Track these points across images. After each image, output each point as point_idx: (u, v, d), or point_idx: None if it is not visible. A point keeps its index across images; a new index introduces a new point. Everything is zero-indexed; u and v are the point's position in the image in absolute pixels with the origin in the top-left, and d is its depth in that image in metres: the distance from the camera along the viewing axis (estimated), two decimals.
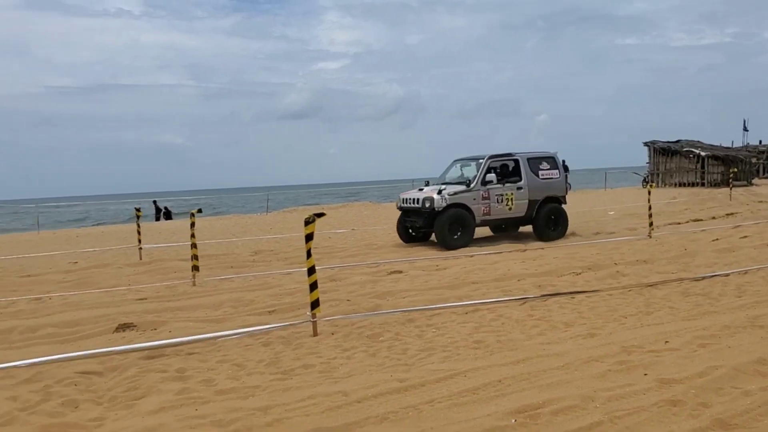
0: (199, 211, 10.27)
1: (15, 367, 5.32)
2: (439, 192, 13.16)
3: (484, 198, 13.58)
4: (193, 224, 9.96)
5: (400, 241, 14.24)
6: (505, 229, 14.94)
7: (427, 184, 14.48)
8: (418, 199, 13.45)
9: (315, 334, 6.09)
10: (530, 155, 14.31)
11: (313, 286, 6.10)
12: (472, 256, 11.54)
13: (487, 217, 13.76)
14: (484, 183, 13.58)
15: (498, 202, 13.72)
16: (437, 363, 5.07)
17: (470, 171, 14.16)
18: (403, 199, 14.13)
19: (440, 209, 13.02)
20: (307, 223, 6.13)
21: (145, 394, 4.60)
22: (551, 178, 14.30)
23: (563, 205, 14.45)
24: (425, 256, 11.87)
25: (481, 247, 12.79)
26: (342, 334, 6.09)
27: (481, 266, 10.14)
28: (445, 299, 7.56)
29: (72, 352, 5.74)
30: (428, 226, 13.34)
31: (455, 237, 13.09)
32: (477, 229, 13.67)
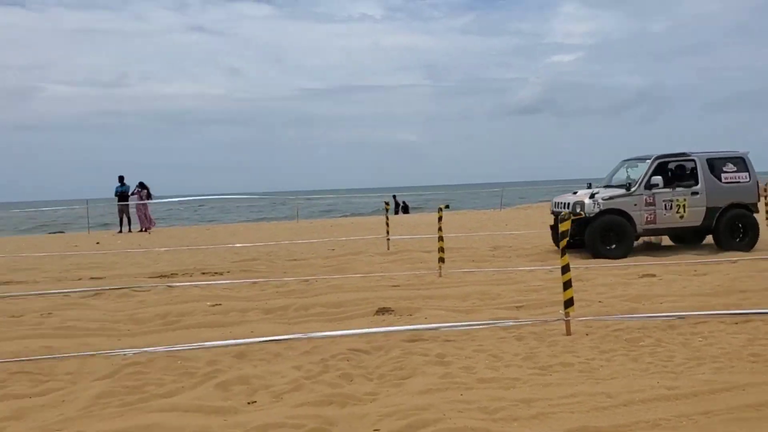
0: (447, 206, 10.65)
1: (296, 339, 6.01)
2: (592, 196, 11.89)
3: (648, 204, 12.05)
4: (440, 218, 10.39)
5: (642, 242, 13.22)
6: (683, 240, 13.25)
7: (589, 186, 13.14)
8: (568, 204, 12.17)
9: (568, 333, 5.99)
10: (711, 155, 12.51)
11: (567, 285, 6.01)
12: (735, 261, 10.44)
13: (652, 226, 12.16)
14: (649, 186, 12.00)
15: (666, 208, 12.09)
16: (709, 374, 4.71)
17: (637, 173, 12.56)
18: (555, 203, 12.96)
19: (592, 215, 11.77)
20: (563, 220, 6.07)
21: (411, 374, 4.91)
22: (738, 182, 12.38)
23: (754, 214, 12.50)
24: (681, 260, 11.00)
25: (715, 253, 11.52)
26: (598, 336, 5.91)
27: (748, 273, 9.15)
28: (711, 306, 6.96)
29: (341, 330, 6.34)
30: (579, 233, 11.74)
31: (609, 248, 11.77)
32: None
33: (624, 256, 11.59)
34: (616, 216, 11.95)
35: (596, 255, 11.69)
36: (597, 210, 11.80)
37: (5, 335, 6.36)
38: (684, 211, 12.16)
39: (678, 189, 12.26)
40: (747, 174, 12.46)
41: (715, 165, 12.44)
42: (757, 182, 12.65)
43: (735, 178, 12.41)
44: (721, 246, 12.16)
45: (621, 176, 13.20)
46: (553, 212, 13.17)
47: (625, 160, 13.39)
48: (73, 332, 6.53)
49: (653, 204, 12.08)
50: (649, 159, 12.40)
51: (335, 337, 6.04)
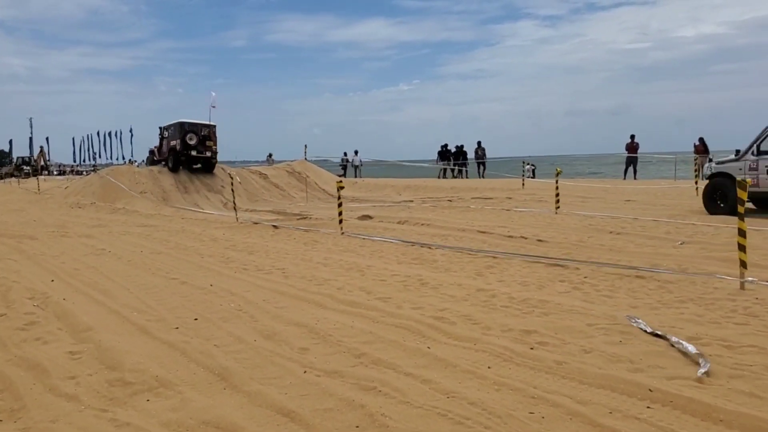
0: None
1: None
2: (718, 161, 13.39)
3: (751, 168, 12.75)
4: None
5: None
6: None
7: (737, 152, 13.47)
8: (711, 168, 13.79)
9: None
10: None
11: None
12: None
13: (755, 189, 12.55)
14: (759, 153, 12.68)
15: None
16: None
17: None
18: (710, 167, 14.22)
19: (707, 177, 13.27)
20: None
21: None
22: None
23: None
24: None
25: None
26: None
27: None
28: None
29: None
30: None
31: (718, 206, 13.15)
32: None
33: (731, 213, 11.50)
34: (724, 178, 13.03)
35: (709, 212, 13.16)
36: (709, 173, 13.07)
37: None
38: None
39: None
40: None
41: None
42: None
43: None
44: None
45: None
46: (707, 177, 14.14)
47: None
48: None
49: (756, 169, 12.69)
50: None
51: None
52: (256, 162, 42.20)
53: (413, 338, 5.37)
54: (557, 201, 15.08)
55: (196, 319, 6.17)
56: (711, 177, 13.42)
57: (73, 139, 68.04)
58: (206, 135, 24.32)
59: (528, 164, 33.10)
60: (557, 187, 15.33)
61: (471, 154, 31.77)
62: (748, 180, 7.09)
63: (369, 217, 15.59)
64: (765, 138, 12.63)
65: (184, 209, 20.21)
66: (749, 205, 12.97)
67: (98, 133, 64.41)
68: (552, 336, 5.26)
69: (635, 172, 25.64)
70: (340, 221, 12.67)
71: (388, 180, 31.61)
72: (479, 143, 31.29)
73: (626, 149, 25.15)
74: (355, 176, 36.72)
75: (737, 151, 13.44)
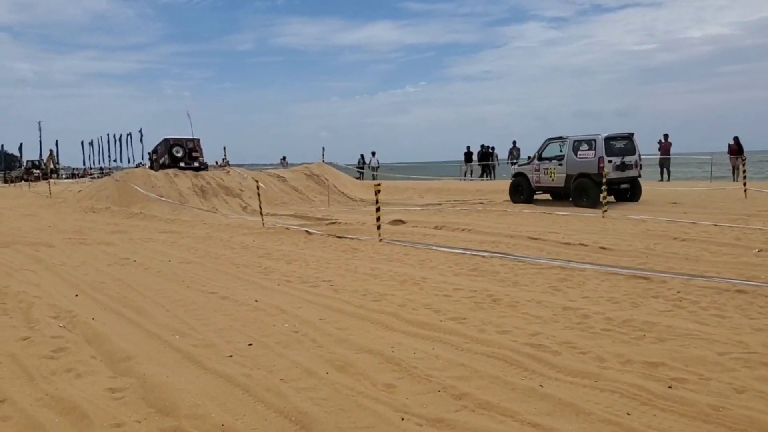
0: None
1: None
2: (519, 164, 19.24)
3: (536, 170, 18.10)
4: None
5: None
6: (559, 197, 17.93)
7: (529, 158, 19.04)
8: (514, 169, 19.85)
9: None
10: (576, 137, 17.00)
11: None
12: None
13: (538, 185, 18.17)
14: (540, 159, 17.98)
15: (545, 174, 17.77)
16: None
17: (555, 149, 17.77)
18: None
19: (513, 176, 18.49)
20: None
21: None
22: (587, 158, 16.57)
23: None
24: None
25: None
26: None
27: None
28: None
29: None
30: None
31: (519, 197, 18.58)
32: None
33: (526, 202, 18.24)
34: (521, 177, 18.64)
35: (513, 201, 18.72)
36: (513, 172, 17.29)
37: None
38: (554, 176, 17.55)
39: (553, 161, 17.54)
40: (594, 152, 16.42)
41: (576, 145, 16.91)
42: (600, 158, 16.19)
43: (586, 155, 16.61)
44: (574, 203, 16.79)
45: (551, 151, 17.96)
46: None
47: (548, 139, 18.16)
48: None
49: (538, 171, 18.01)
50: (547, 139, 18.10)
51: None
52: (270, 165, 41.45)
53: (516, 372, 4.51)
54: (604, 204, 14.19)
55: (250, 344, 5.33)
56: (514, 176, 18.78)
57: (82, 142, 67.41)
58: (191, 147, 26.32)
59: None
60: (603, 189, 14.41)
61: (504, 154, 30.56)
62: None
63: (401, 221, 14.74)
64: (544, 148, 17.97)
65: (204, 213, 19.40)
66: (546, 195, 18.57)
67: (108, 136, 63.75)
68: (684, 369, 4.40)
69: (669, 173, 24.67)
70: (378, 227, 11.82)
71: (407, 182, 30.73)
72: (514, 143, 29.92)
73: (659, 149, 24.17)
74: (373, 179, 35.88)
75: (529, 157, 18.86)
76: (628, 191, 17.38)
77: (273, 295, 7.31)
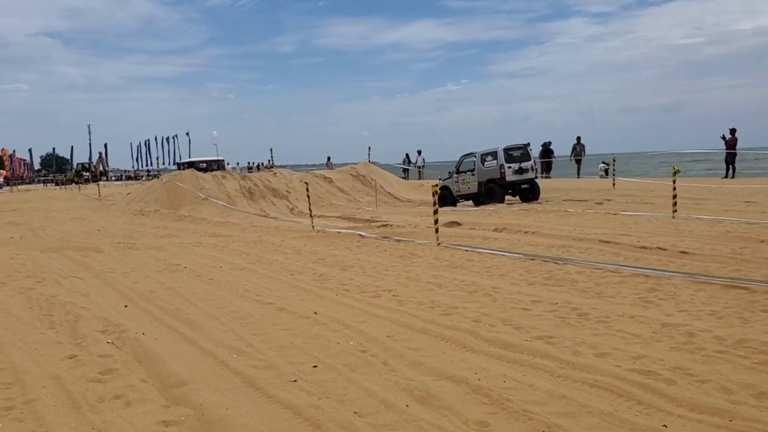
0: None
1: None
2: (444, 179, 21.89)
3: (455, 182, 21.18)
4: None
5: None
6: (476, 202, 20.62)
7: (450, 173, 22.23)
8: (440, 181, 21.47)
9: None
10: (483, 151, 20.27)
11: None
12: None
13: (458, 193, 21.13)
14: (458, 173, 21.20)
15: (462, 183, 20.96)
16: None
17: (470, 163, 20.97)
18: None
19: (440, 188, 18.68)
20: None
21: None
22: (492, 167, 19.75)
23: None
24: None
25: None
26: None
27: None
28: None
29: None
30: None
31: (445, 204, 19.46)
32: None
33: (453, 205, 20.60)
34: (446, 189, 20.82)
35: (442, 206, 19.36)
36: (439, 186, 16.49)
37: None
38: (469, 185, 20.63)
39: (468, 173, 20.74)
40: (496, 161, 19.66)
41: (483, 157, 20.19)
42: (501, 165, 19.46)
43: (491, 165, 19.82)
44: (478, 204, 20.09)
45: (466, 165, 21.16)
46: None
47: (462, 156, 21.50)
48: None
49: (458, 182, 21.08)
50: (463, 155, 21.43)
51: None
52: (314, 166, 41.22)
53: (629, 407, 3.84)
54: (674, 204, 13.26)
55: (315, 366, 4.78)
56: (441, 188, 19.02)
57: (131, 144, 68.57)
58: (215, 168, 30.12)
59: (602, 162, 31.05)
60: (674, 188, 13.48)
61: (566, 151, 29.51)
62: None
63: (457, 223, 14.09)
64: (461, 164, 21.19)
65: (252, 215, 19.09)
66: (469, 202, 20.91)
67: (155, 138, 64.65)
68: None
69: (734, 170, 23.37)
70: (436, 230, 11.19)
71: None
72: (578, 139, 28.60)
73: (726, 145, 22.89)
74: (419, 178, 35.24)
75: (449, 173, 21.99)
76: (528, 192, 20.12)
77: (332, 306, 6.76)
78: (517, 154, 19.68)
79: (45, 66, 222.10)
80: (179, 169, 33.52)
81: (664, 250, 9.24)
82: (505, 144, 19.66)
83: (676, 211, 13.14)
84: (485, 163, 19.97)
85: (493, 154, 19.68)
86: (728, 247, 9.26)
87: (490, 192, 19.75)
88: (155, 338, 5.74)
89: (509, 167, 19.39)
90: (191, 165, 31.01)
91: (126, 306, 7.18)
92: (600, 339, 5.16)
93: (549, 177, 29.31)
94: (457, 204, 21.01)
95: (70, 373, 4.86)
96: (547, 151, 29.54)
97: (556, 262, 8.63)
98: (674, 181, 13.64)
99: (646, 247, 9.51)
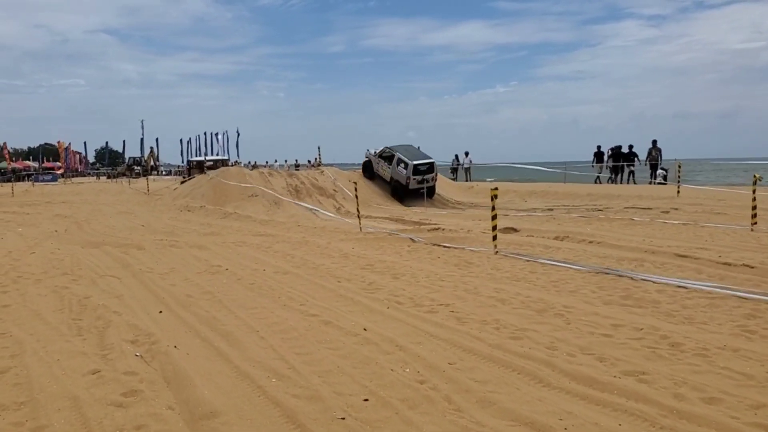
0: None
1: None
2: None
3: (376, 163, 25.48)
4: None
5: None
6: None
7: None
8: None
9: None
10: (398, 156, 24.01)
11: None
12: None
13: (377, 173, 25.47)
14: (380, 157, 25.21)
15: (381, 169, 25.21)
16: None
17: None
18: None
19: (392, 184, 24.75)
20: None
21: None
22: (402, 173, 23.50)
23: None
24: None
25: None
26: None
27: None
28: None
29: None
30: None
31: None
32: None
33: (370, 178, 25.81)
34: (369, 163, 26.17)
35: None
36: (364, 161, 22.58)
37: None
38: (385, 173, 24.57)
39: (386, 162, 24.55)
40: (406, 171, 23.27)
41: (398, 161, 23.87)
42: (408, 177, 23.40)
43: (401, 170, 23.56)
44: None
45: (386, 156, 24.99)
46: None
47: (387, 147, 25.27)
48: None
49: (379, 164, 25.44)
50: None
51: None
52: (360, 165, 40.59)
53: None
54: (754, 215, 12.14)
55: (366, 400, 4.10)
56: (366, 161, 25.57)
57: (181, 140, 69.24)
58: (220, 166, 32.03)
59: (660, 168, 29.48)
60: (754, 198, 12.35)
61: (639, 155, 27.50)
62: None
63: (513, 229, 13.24)
64: (383, 152, 25.09)
65: (298, 214, 18.58)
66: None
67: (204, 135, 65.17)
68: None
69: None
70: (494, 237, 10.39)
71: (507, 184, 28.99)
72: (654, 143, 26.66)
73: None
74: (467, 179, 34.32)
75: (374, 152, 25.45)
76: (425, 193, 23.90)
77: (383, 322, 6.08)
78: (423, 168, 23.62)
79: (101, 62, 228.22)
80: (189, 167, 37.35)
81: (752, 267, 8.26)
82: (415, 161, 23.56)
83: (755, 223, 12.03)
84: (398, 167, 23.79)
85: (406, 165, 23.52)
86: None
87: (396, 191, 24.29)
88: (187, 353, 5.15)
89: (414, 179, 23.53)
90: (200, 164, 34.81)
91: (161, 312, 6.64)
92: (703, 378, 4.33)
93: (614, 182, 27.79)
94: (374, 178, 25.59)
95: (90, 393, 4.29)
96: (618, 155, 27.79)
97: (632, 278, 7.76)
98: (754, 191, 12.51)
99: (729, 264, 8.54)
